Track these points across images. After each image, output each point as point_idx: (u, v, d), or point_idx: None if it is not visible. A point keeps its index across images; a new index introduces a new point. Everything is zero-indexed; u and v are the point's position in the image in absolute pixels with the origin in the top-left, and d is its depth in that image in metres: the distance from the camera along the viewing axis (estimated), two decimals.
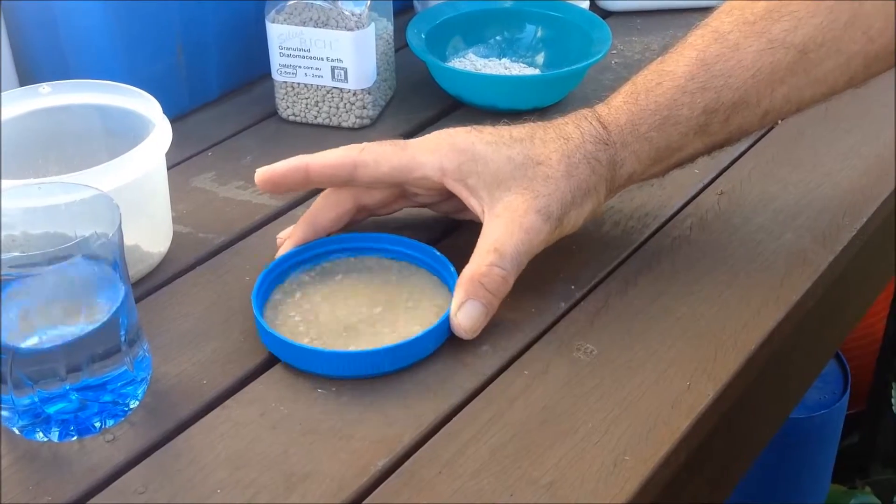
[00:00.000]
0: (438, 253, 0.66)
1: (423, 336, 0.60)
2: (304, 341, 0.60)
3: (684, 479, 0.60)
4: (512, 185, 0.63)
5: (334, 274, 0.66)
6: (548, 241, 0.64)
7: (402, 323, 0.62)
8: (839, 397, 1.36)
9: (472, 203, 0.64)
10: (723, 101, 0.65)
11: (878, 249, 0.83)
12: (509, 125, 0.67)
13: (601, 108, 0.67)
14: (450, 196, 0.67)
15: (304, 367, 0.60)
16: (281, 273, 0.65)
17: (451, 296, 0.62)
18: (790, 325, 0.66)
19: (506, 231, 0.62)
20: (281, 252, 0.66)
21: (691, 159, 0.68)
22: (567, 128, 0.66)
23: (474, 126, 0.66)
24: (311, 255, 0.66)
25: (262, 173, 0.66)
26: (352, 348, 0.60)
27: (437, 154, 0.64)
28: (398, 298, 0.64)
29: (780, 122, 0.84)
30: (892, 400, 1.51)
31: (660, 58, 0.68)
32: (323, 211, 0.67)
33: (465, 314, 0.61)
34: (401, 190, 0.67)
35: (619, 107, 0.67)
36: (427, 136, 0.67)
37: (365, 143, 0.66)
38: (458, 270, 0.63)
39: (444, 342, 0.62)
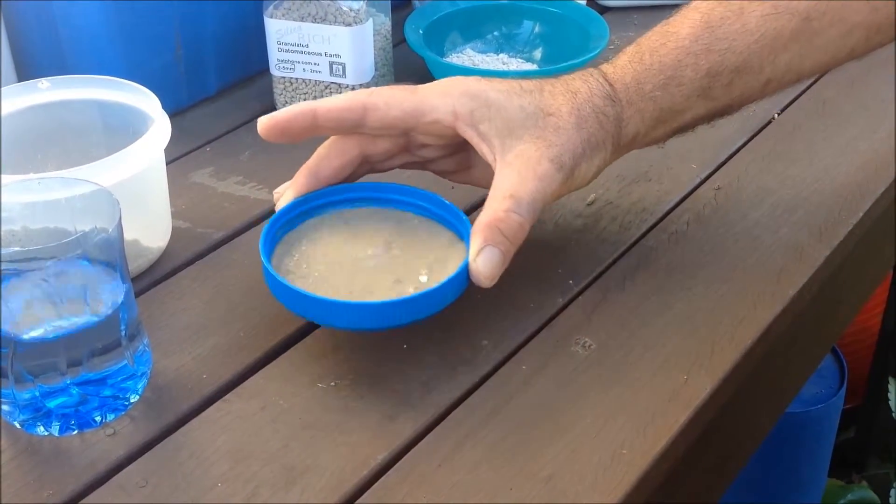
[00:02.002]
0: (448, 202, 0.65)
1: (444, 285, 0.59)
2: (318, 292, 0.59)
3: (682, 472, 0.60)
4: (524, 134, 0.62)
5: (342, 224, 0.65)
6: (560, 192, 0.64)
7: (416, 273, 0.61)
8: (836, 392, 1.36)
9: (483, 149, 0.63)
10: (726, 65, 0.65)
11: (875, 244, 0.83)
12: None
13: (606, 67, 0.67)
14: (454, 151, 0.67)
15: (321, 320, 0.59)
16: (287, 223, 0.64)
17: (463, 244, 0.61)
18: (787, 319, 0.66)
19: (520, 179, 0.61)
20: (282, 203, 0.64)
21: (692, 125, 0.68)
22: (575, 83, 0.65)
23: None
24: (316, 205, 0.65)
25: (268, 120, 0.64)
26: (366, 300, 0.59)
27: (449, 98, 0.63)
28: (409, 248, 0.63)
29: (776, 116, 0.85)
30: (889, 395, 1.51)
31: (664, 20, 0.68)
32: (326, 160, 0.65)
33: (484, 260, 0.60)
34: (406, 140, 0.66)
35: (624, 66, 0.66)
36: (437, 81, 0.65)
37: (373, 88, 0.65)
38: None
39: (443, 338, 0.62)
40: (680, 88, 0.65)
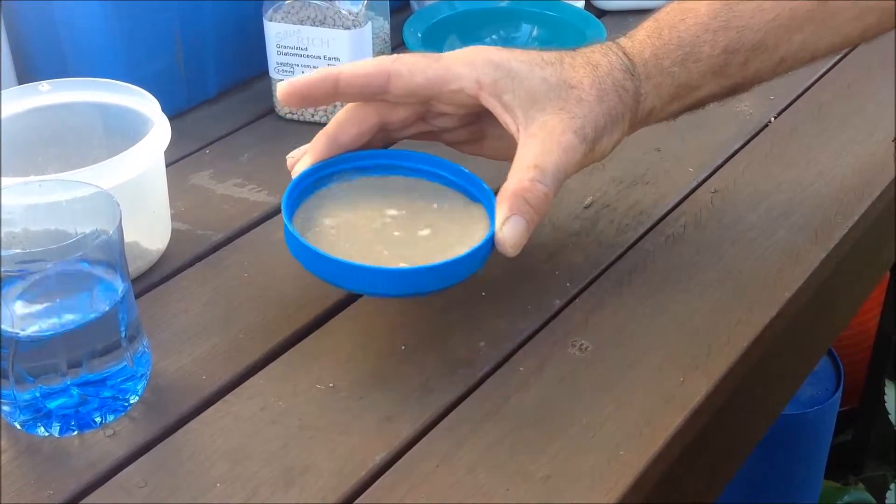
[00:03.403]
0: (468, 172, 0.64)
1: (469, 254, 0.59)
2: (343, 257, 0.59)
3: (678, 473, 0.60)
4: (547, 105, 0.62)
5: (364, 191, 0.64)
6: (582, 163, 0.64)
7: (437, 242, 0.61)
8: (832, 394, 1.36)
9: (507, 120, 0.63)
10: (743, 42, 0.66)
11: (872, 247, 0.83)
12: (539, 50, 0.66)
13: (624, 41, 0.67)
14: (469, 122, 0.66)
15: (348, 285, 0.59)
16: (308, 187, 0.63)
17: (485, 213, 0.62)
18: (783, 322, 0.66)
19: (544, 149, 0.61)
20: (300, 167, 0.64)
21: (706, 102, 0.69)
22: (595, 56, 0.65)
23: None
24: (336, 171, 0.64)
25: (287, 85, 0.63)
26: (389, 266, 0.59)
27: (473, 67, 0.63)
28: (430, 217, 0.63)
29: (772, 119, 0.85)
30: (886, 398, 1.52)
31: None
32: (345, 126, 0.65)
33: (510, 229, 0.60)
34: (424, 109, 0.65)
35: (643, 41, 0.67)
36: (460, 50, 0.65)
37: (396, 55, 0.64)
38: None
39: (441, 340, 0.62)
40: (696, 65, 0.66)
